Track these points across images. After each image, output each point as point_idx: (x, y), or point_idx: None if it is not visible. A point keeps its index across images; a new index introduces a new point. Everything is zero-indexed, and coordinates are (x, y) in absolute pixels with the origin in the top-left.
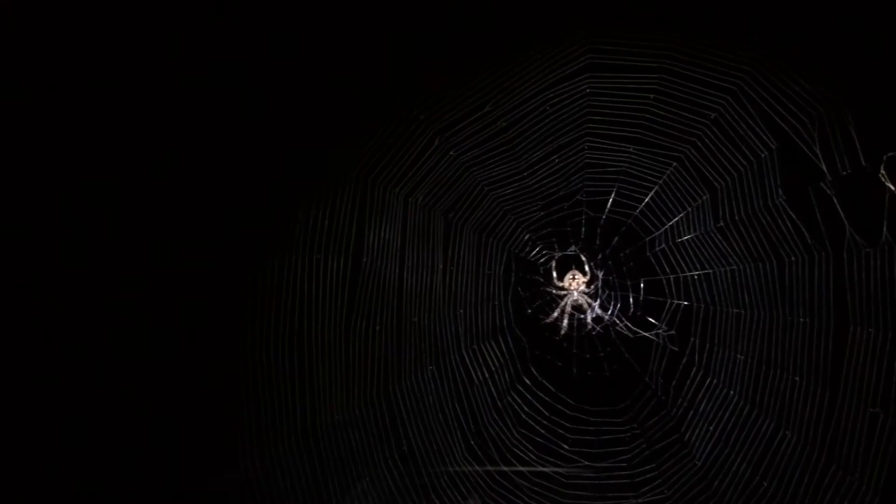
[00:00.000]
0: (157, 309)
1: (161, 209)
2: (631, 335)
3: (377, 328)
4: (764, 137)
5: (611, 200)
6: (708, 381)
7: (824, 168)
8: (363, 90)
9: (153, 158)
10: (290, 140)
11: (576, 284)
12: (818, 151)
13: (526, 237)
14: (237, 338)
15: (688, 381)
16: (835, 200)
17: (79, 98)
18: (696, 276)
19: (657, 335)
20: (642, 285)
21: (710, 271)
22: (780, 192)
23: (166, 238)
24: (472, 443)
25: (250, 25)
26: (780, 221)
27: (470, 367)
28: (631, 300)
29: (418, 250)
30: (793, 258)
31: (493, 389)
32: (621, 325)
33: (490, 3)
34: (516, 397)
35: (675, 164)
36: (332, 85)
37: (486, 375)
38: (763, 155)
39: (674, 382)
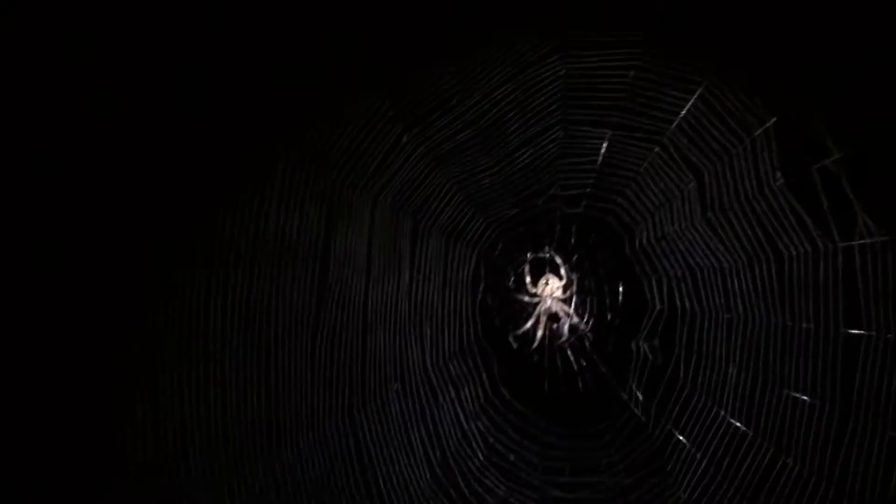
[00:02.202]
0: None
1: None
2: (609, 346)
3: (343, 340)
4: (758, 112)
5: (587, 193)
6: (695, 399)
7: (830, 145)
8: (324, 85)
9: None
10: (241, 137)
11: (549, 290)
12: (822, 127)
13: (496, 238)
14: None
15: (672, 399)
16: (844, 182)
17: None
18: (681, 276)
19: (638, 346)
20: (621, 289)
21: (697, 270)
22: (778, 174)
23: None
24: (438, 472)
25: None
26: (777, 209)
27: (435, 384)
28: (609, 306)
29: (385, 258)
30: (793, 252)
31: (459, 411)
32: (596, 335)
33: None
34: (484, 419)
35: (657, 148)
36: (290, 78)
37: (453, 395)
38: (757, 133)
39: (656, 401)
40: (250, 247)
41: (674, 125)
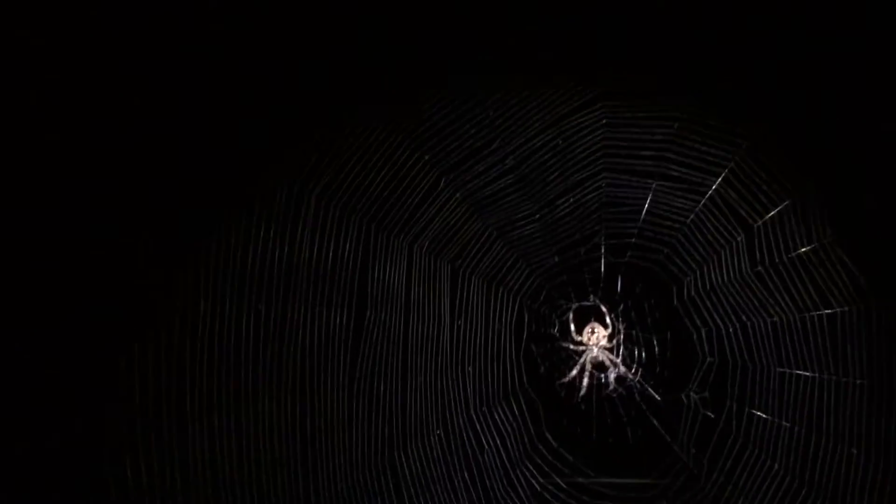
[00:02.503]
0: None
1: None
2: (658, 397)
3: (382, 388)
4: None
5: (632, 244)
6: (748, 453)
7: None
8: (358, 123)
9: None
10: (275, 171)
11: (595, 339)
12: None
13: (539, 286)
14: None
15: (724, 452)
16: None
17: None
18: (731, 329)
19: (688, 398)
20: (670, 339)
21: (748, 323)
22: (828, 230)
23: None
24: None
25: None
26: (828, 265)
27: (480, 431)
28: (657, 357)
29: (423, 302)
30: (845, 308)
31: (504, 458)
32: (647, 385)
33: (492, 35)
34: (530, 467)
35: (703, 200)
36: (325, 114)
37: (498, 441)
38: (808, 187)
39: (708, 453)
40: (281, 283)
41: (720, 178)
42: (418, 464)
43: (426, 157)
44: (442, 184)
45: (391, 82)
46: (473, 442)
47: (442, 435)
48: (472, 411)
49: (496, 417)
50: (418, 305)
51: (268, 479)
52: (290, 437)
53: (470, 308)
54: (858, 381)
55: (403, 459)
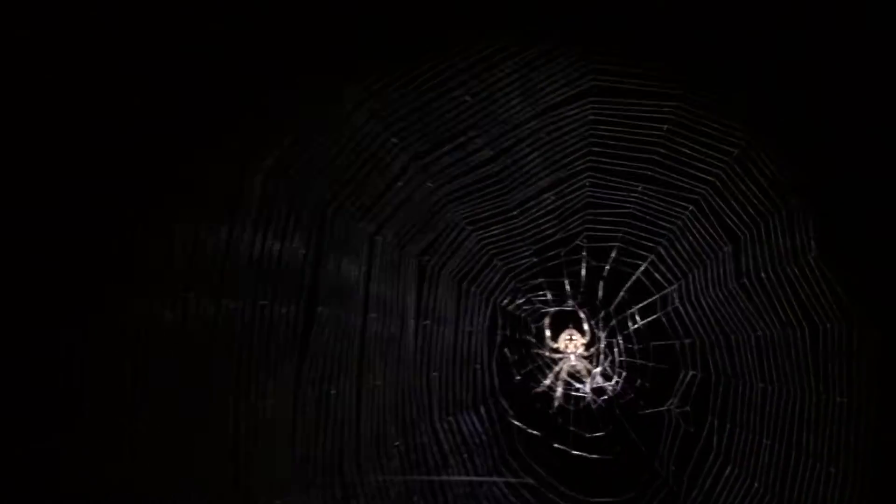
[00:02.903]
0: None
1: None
2: (638, 411)
3: (333, 392)
4: (795, 179)
5: (616, 248)
6: (728, 470)
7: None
8: (318, 96)
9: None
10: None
11: (573, 347)
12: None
13: (515, 288)
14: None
15: (704, 470)
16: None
17: None
18: (715, 342)
19: (669, 412)
20: (652, 350)
21: (732, 336)
22: (813, 245)
23: None
24: None
25: None
26: (813, 281)
27: (444, 444)
28: (638, 368)
29: (385, 298)
30: (828, 325)
31: (471, 473)
32: (626, 398)
33: (475, 12)
34: (500, 485)
35: (691, 207)
36: (275, 81)
37: (465, 456)
38: (794, 201)
39: (688, 470)
40: (215, 272)
41: (709, 186)
42: (372, 480)
43: (394, 140)
44: (411, 170)
45: (360, 55)
46: (437, 456)
47: (402, 447)
48: (437, 421)
49: (463, 429)
50: (379, 302)
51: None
52: (217, 449)
53: (438, 307)
54: (839, 399)
55: (356, 475)
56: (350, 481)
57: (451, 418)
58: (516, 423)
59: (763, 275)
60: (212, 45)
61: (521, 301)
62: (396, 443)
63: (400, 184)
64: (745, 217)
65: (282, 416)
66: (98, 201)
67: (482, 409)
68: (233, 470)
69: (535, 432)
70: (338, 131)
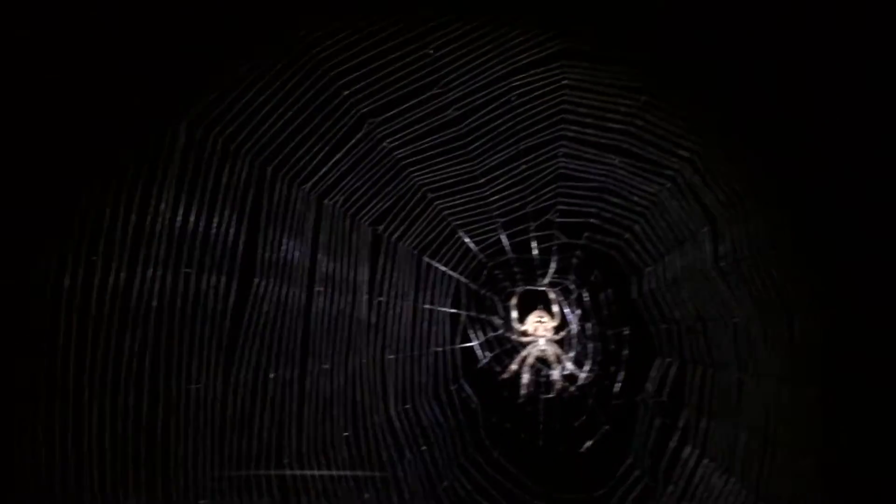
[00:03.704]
0: None
1: None
2: (612, 400)
3: (271, 376)
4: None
5: (590, 224)
6: (705, 464)
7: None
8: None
9: None
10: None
11: (542, 330)
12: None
13: (480, 263)
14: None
15: (680, 463)
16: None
17: None
18: (691, 327)
19: (645, 402)
20: (627, 335)
21: (710, 323)
22: (788, 229)
23: None
24: None
25: None
26: (791, 266)
27: (400, 435)
28: (612, 354)
29: (334, 271)
30: (806, 313)
31: (430, 469)
32: (598, 386)
33: None
34: (463, 480)
35: (669, 184)
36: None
37: (423, 448)
38: (770, 183)
39: (663, 464)
40: (131, 235)
41: (687, 162)
42: (317, 476)
43: (345, 93)
44: (365, 128)
45: None
46: (392, 448)
47: (350, 439)
48: (392, 410)
49: (422, 418)
50: (326, 275)
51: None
52: (130, 441)
53: (394, 283)
54: (814, 391)
55: (297, 471)
56: (290, 477)
57: (408, 406)
58: (481, 412)
59: (740, 258)
60: None
61: (486, 278)
62: (346, 433)
63: (353, 143)
64: (721, 197)
65: (210, 403)
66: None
67: (443, 397)
68: (149, 465)
69: (501, 423)
70: (281, 80)
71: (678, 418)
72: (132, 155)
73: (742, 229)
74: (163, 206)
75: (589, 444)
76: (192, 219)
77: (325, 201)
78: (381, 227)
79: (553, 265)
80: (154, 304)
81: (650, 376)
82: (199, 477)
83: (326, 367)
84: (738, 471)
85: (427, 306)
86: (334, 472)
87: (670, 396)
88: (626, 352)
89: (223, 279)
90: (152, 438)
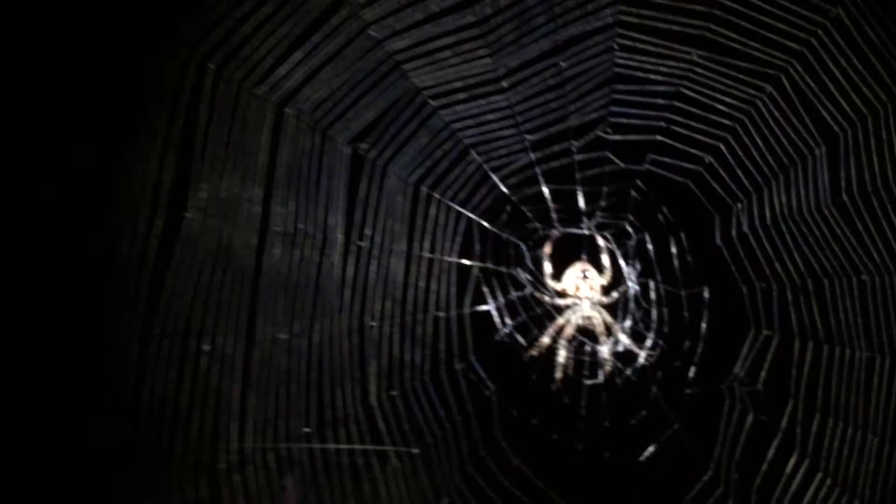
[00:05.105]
0: None
1: None
2: (686, 389)
3: (206, 348)
4: None
5: (655, 142)
6: (818, 479)
7: None
8: None
9: None
10: None
11: (586, 289)
12: None
13: (500, 197)
14: None
15: (783, 479)
16: None
17: None
18: (801, 287)
19: (732, 391)
20: (707, 298)
21: (826, 282)
22: None
23: None
24: None
25: None
26: None
27: (384, 432)
28: (686, 325)
29: (297, 207)
30: None
31: (424, 481)
32: (667, 368)
33: None
34: (469, 497)
35: (770, 87)
36: None
37: (415, 451)
38: None
39: (758, 479)
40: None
41: (798, 57)
42: (262, 482)
43: None
44: (344, 9)
45: None
46: (371, 452)
47: (314, 434)
48: (373, 398)
49: (415, 410)
50: (287, 210)
51: None
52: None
53: (380, 222)
54: None
55: (235, 474)
56: (224, 483)
57: (395, 393)
58: (498, 402)
59: (871, 190)
60: None
61: (509, 217)
62: (305, 429)
63: (328, 29)
64: (846, 106)
65: (118, 385)
66: None
67: (445, 380)
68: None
69: (526, 417)
70: None
71: (780, 416)
72: None
73: (873, 151)
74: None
75: (651, 450)
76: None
77: (287, 109)
78: (363, 146)
79: (603, 200)
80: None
81: (741, 355)
82: (103, 477)
83: (283, 336)
84: (866, 493)
85: (425, 255)
86: (290, 487)
87: (768, 384)
88: (705, 321)
89: (143, 214)
90: (39, 430)
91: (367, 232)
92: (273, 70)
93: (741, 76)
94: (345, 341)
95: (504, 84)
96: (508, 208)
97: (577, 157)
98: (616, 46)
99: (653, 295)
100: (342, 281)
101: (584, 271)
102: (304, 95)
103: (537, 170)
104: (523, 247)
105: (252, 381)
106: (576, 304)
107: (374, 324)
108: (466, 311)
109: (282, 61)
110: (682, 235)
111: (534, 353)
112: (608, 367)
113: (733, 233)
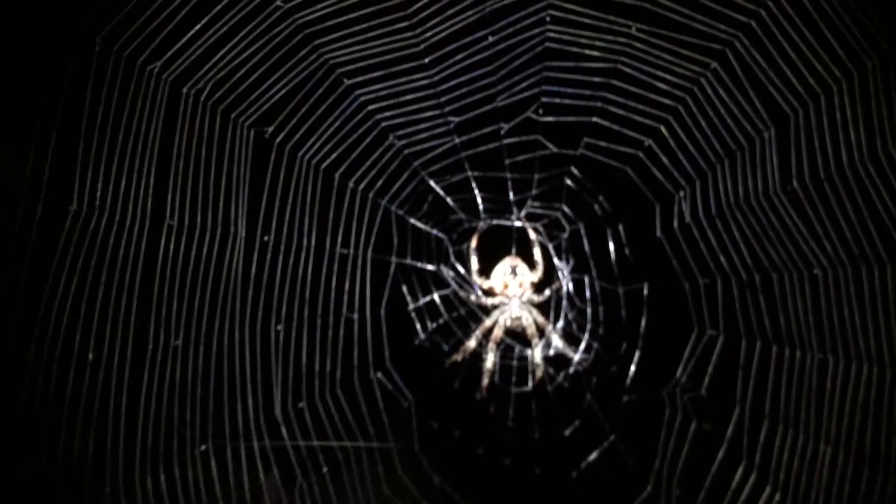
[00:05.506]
0: None
1: None
2: (622, 395)
3: (91, 357)
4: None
5: (591, 124)
6: (767, 493)
7: None
8: None
9: None
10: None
11: (516, 287)
12: None
13: (423, 184)
14: None
15: (729, 494)
16: None
17: None
18: (748, 285)
19: (673, 397)
20: (646, 295)
21: (775, 276)
22: None
23: None
24: None
25: None
26: None
27: (290, 449)
28: (624, 324)
29: (195, 198)
30: None
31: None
32: (602, 373)
33: None
34: None
35: (715, 63)
36: None
37: (324, 470)
38: (870, 64)
39: (702, 495)
40: None
41: (745, 30)
42: None
43: None
44: None
45: None
46: (276, 472)
47: (210, 453)
48: (278, 410)
49: (326, 423)
50: (181, 201)
51: None
52: None
53: (286, 212)
54: None
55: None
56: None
57: (301, 405)
58: (416, 413)
59: (824, 177)
60: None
61: (431, 208)
62: (201, 447)
63: (230, 3)
64: (798, 84)
65: None
66: None
67: (359, 390)
68: None
69: (448, 430)
70: None
71: (726, 424)
72: None
73: (826, 134)
74: None
75: (586, 462)
76: None
77: (184, 89)
78: (269, 130)
79: (534, 189)
80: None
81: (683, 358)
82: None
83: (176, 342)
84: None
85: (338, 250)
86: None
87: (713, 390)
88: (644, 321)
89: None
90: None
91: (272, 224)
92: (168, 46)
93: (684, 51)
94: (245, 347)
95: (426, 60)
96: (430, 198)
97: (506, 141)
98: (548, 19)
99: (588, 292)
100: (244, 279)
101: (513, 267)
102: (203, 73)
103: (462, 155)
104: (447, 240)
105: (139, 391)
106: (504, 304)
107: (280, 328)
108: (383, 312)
109: (178, 36)
110: (620, 227)
111: (457, 358)
112: (539, 373)
113: (675, 223)
